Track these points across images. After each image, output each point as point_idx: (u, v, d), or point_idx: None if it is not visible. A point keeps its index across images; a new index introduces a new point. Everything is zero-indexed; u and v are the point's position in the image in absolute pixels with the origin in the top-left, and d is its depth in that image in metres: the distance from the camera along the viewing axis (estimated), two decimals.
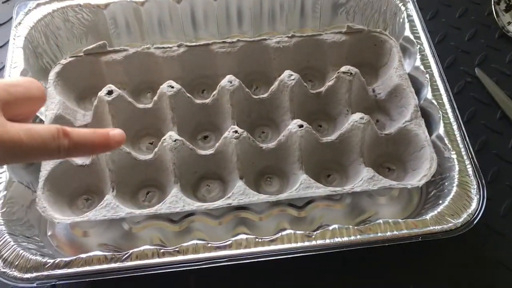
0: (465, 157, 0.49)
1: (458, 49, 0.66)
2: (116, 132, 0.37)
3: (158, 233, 0.51)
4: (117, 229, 0.51)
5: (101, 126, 0.54)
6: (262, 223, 0.51)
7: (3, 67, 0.57)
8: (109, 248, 0.49)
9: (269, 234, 0.49)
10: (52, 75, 0.56)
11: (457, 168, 0.49)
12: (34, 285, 0.43)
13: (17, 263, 0.43)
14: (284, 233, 0.45)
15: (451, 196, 0.47)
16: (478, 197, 0.47)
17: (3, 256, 0.43)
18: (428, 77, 0.55)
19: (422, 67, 0.56)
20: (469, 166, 0.49)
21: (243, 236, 0.45)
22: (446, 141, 0.51)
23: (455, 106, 0.53)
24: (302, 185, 0.49)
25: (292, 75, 0.54)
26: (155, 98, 0.54)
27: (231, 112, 0.54)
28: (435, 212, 0.47)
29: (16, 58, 0.55)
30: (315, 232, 0.45)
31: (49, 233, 0.50)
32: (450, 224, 0.46)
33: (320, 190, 0.49)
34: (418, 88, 0.56)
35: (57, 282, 0.43)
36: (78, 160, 0.51)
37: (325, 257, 0.45)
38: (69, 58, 0.57)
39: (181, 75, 0.58)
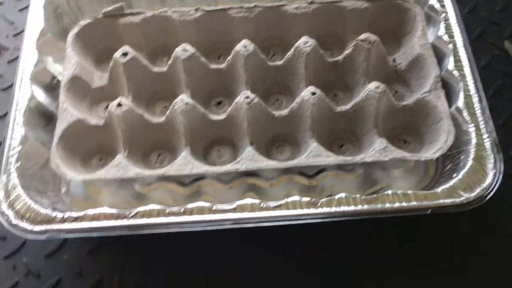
0: (483, 131, 0.48)
1: (488, 20, 0.62)
2: None
3: (168, 195, 0.51)
4: (128, 189, 0.51)
5: (116, 88, 0.55)
6: (271, 190, 0.51)
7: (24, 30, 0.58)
8: (121, 207, 0.50)
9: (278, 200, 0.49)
10: (70, 36, 0.56)
11: (474, 141, 0.47)
12: (43, 237, 0.44)
13: (28, 215, 0.44)
14: (289, 199, 0.45)
15: (465, 170, 0.46)
16: (494, 171, 0.45)
17: (16, 209, 0.45)
18: (451, 47, 0.53)
19: (446, 37, 0.54)
20: (487, 140, 0.47)
21: (248, 201, 0.45)
22: (465, 114, 0.49)
23: (478, 78, 0.51)
24: (312, 153, 0.48)
25: (308, 41, 0.53)
26: (170, 62, 0.54)
27: (245, 77, 0.53)
28: (447, 185, 0.45)
29: (36, 18, 0.56)
30: (321, 200, 0.45)
31: (63, 190, 0.51)
32: (461, 198, 0.44)
33: (330, 158, 0.48)
34: (440, 59, 0.53)
35: (65, 236, 0.44)
36: (92, 120, 0.52)
37: (331, 225, 0.45)
38: (87, 19, 0.57)
39: (197, 40, 0.58)
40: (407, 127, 0.53)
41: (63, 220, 0.44)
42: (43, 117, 0.53)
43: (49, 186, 0.50)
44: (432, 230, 0.49)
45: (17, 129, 0.49)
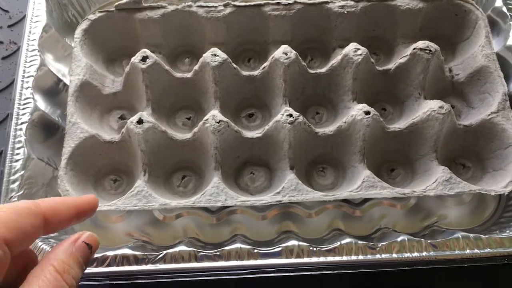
0: None
1: None
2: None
3: (193, 224, 0.45)
4: (147, 217, 0.45)
5: (133, 95, 0.47)
6: (312, 220, 0.45)
7: (24, 17, 0.50)
8: (138, 238, 0.44)
9: (320, 233, 0.44)
10: (78, 32, 0.48)
11: None
12: None
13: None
14: (343, 242, 0.39)
15: None
16: None
17: None
18: None
19: None
20: None
21: (295, 242, 0.39)
22: None
23: None
24: (365, 183, 0.42)
25: (359, 49, 0.46)
26: (196, 67, 0.46)
27: (283, 88, 0.46)
28: None
29: (37, 11, 0.48)
30: (380, 244, 0.38)
31: None
32: None
33: (386, 191, 0.41)
34: (507, 73, 0.47)
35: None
36: (106, 136, 0.45)
37: (387, 272, 0.39)
38: (98, 13, 0.49)
39: (225, 40, 0.50)
40: (467, 150, 0.46)
41: None
42: (46, 129, 0.45)
43: None
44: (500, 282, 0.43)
45: (18, 146, 0.42)
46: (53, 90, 0.47)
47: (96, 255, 0.38)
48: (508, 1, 0.49)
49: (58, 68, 0.48)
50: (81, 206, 0.32)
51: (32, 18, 0.47)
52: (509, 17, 0.48)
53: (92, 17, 0.49)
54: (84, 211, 0.32)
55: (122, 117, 0.48)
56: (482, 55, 0.47)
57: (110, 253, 0.38)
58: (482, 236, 0.39)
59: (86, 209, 0.32)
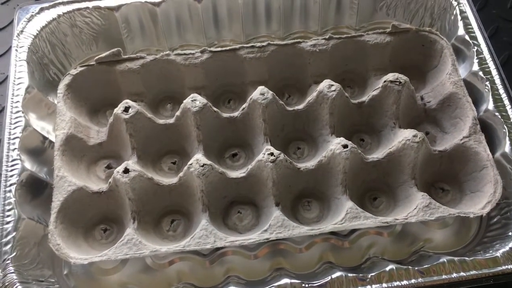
0: None
1: None
2: None
3: (186, 269, 0.45)
4: (140, 265, 0.45)
5: (118, 145, 0.49)
6: (303, 255, 0.46)
7: (6, 78, 0.51)
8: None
9: (311, 267, 0.45)
10: (61, 87, 0.49)
11: None
12: None
13: None
14: (334, 276, 0.40)
15: None
16: None
17: None
18: (489, 85, 0.48)
19: (481, 73, 0.49)
20: None
21: (287, 281, 0.40)
22: None
23: None
24: (348, 215, 0.43)
25: (332, 85, 0.48)
26: (178, 113, 0.48)
27: (263, 127, 0.48)
28: (507, 248, 0.41)
29: (20, 73, 0.49)
30: (369, 275, 0.40)
31: (65, 272, 0.44)
32: None
33: (369, 221, 0.43)
34: (475, 98, 0.49)
35: None
36: (94, 186, 0.45)
37: None
38: (79, 67, 0.50)
39: (205, 84, 0.52)
40: (444, 174, 0.48)
41: None
42: (35, 188, 0.46)
43: (48, 271, 0.43)
44: None
45: (8, 208, 0.42)
46: (39, 149, 0.48)
47: None
48: (470, 29, 0.52)
49: (43, 126, 0.49)
50: None
51: (14, 81, 0.48)
52: (472, 44, 0.51)
53: (73, 72, 0.50)
54: None
55: (108, 166, 0.49)
56: (450, 83, 0.49)
57: None
58: (467, 259, 0.40)
59: None
